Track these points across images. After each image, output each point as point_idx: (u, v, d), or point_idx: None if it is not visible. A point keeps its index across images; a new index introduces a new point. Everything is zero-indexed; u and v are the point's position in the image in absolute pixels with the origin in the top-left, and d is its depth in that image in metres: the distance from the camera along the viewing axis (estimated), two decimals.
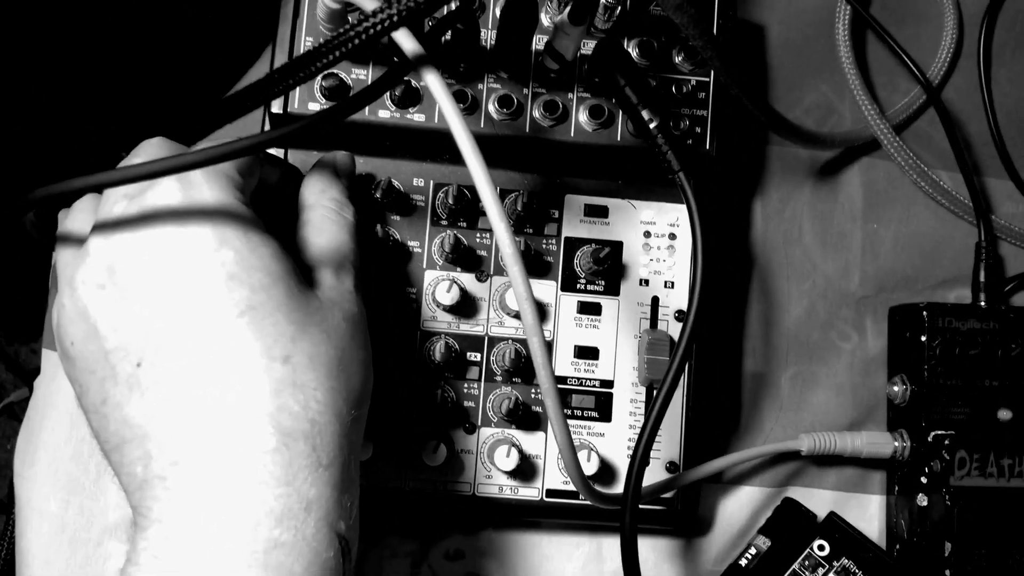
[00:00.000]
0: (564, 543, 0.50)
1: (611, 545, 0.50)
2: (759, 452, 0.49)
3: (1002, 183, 0.54)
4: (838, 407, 0.52)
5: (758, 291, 0.52)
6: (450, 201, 0.45)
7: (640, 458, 0.41)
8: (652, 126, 0.41)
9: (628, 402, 0.47)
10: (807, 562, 0.46)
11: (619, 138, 0.45)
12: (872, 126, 0.52)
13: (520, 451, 0.46)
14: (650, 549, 0.50)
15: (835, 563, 0.46)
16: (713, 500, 0.51)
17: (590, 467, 0.45)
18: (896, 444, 0.49)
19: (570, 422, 0.47)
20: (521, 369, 0.46)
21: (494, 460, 0.45)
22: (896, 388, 0.49)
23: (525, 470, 0.46)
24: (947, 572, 0.45)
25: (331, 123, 0.37)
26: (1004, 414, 0.47)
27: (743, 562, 0.46)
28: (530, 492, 0.47)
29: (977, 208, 0.52)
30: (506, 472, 0.46)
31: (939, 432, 0.46)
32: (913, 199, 0.53)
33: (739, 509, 0.50)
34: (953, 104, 0.54)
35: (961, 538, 0.45)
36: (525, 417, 0.46)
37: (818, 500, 0.50)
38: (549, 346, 0.47)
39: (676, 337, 0.47)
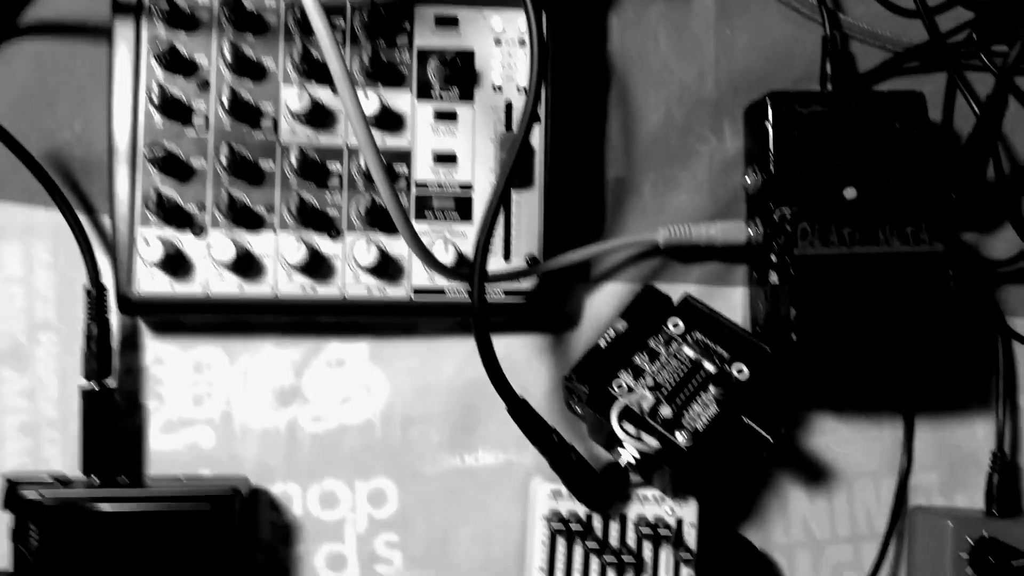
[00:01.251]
0: (442, 345, 0.52)
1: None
2: (617, 244, 0.51)
3: None
4: (699, 207, 0.54)
5: (617, 100, 0.54)
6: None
7: (487, 228, 0.43)
8: None
9: (487, 203, 0.49)
10: (661, 338, 0.49)
11: None
12: None
13: (382, 250, 0.48)
14: (520, 346, 0.52)
15: (688, 337, 0.49)
16: (580, 297, 0.53)
17: (447, 257, 0.47)
18: (750, 231, 0.51)
19: (431, 223, 0.49)
20: None
21: (356, 258, 0.47)
22: (748, 179, 0.51)
23: (391, 270, 0.49)
24: (792, 335, 0.48)
25: None
26: (849, 192, 0.49)
27: (602, 343, 0.49)
28: (398, 291, 0.49)
29: (822, 4, 0.53)
30: (368, 268, 0.48)
31: (784, 208, 0.49)
32: (765, 3, 0.55)
33: (605, 304, 0.53)
34: None
35: (805, 306, 0.48)
36: (388, 218, 0.48)
37: (682, 294, 0.52)
38: (407, 154, 0.49)
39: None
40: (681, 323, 0.49)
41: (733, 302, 0.53)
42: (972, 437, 0.54)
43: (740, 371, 0.48)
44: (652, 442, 0.46)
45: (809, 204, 0.49)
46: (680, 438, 0.46)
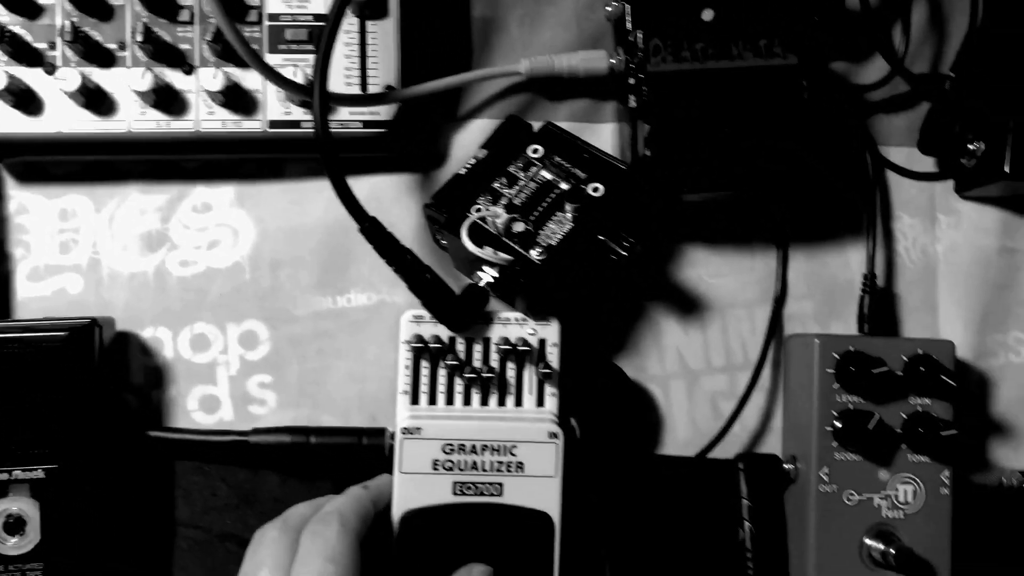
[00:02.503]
0: (309, 187, 0.52)
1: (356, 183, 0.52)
2: (478, 75, 0.51)
3: None
4: (567, 42, 0.53)
5: None
6: None
7: (325, 47, 0.43)
8: None
9: (343, 32, 0.49)
10: (521, 163, 0.49)
11: None
12: None
13: (234, 82, 0.48)
14: (388, 185, 0.52)
15: (548, 161, 0.49)
16: (449, 135, 0.53)
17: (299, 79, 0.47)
18: (612, 60, 0.51)
19: (287, 56, 0.49)
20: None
21: (207, 89, 0.47)
22: (609, 8, 0.51)
23: (245, 103, 0.49)
24: (646, 151, 0.48)
25: None
26: (707, 14, 0.49)
27: (462, 171, 0.49)
28: (253, 125, 0.49)
29: None
30: (220, 99, 0.47)
31: (640, 32, 0.48)
32: None
33: (473, 141, 0.52)
34: None
35: (658, 121, 0.48)
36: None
37: (544, 121, 0.52)
38: None
39: None
40: (541, 148, 0.49)
41: (603, 137, 0.53)
42: (846, 267, 0.54)
43: (596, 189, 0.48)
44: (505, 257, 0.46)
45: (666, 26, 0.48)
46: (533, 253, 0.46)
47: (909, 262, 0.55)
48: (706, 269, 0.54)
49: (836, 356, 0.49)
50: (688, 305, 0.54)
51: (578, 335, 0.51)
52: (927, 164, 0.55)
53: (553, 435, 0.46)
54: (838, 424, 0.49)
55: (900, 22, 0.54)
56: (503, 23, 0.54)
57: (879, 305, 0.53)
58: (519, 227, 0.47)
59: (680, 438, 0.53)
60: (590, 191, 0.48)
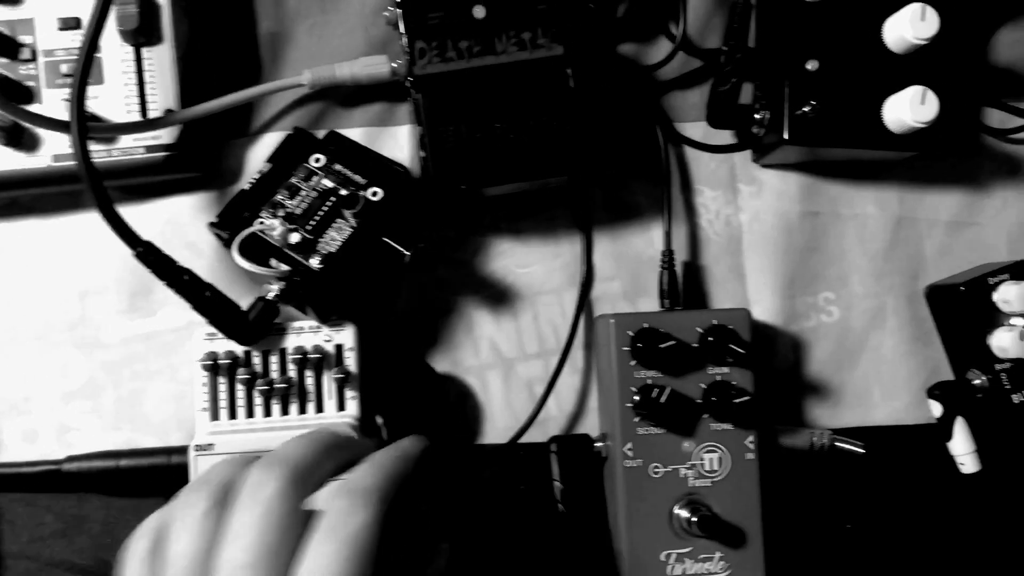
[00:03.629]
0: None
1: (156, 206, 0.53)
2: (259, 90, 0.52)
3: None
4: (357, 49, 0.54)
5: None
6: None
7: (80, 79, 0.44)
8: None
9: (119, 61, 0.50)
10: (302, 174, 0.50)
11: None
12: None
13: (14, 122, 0.48)
14: (187, 206, 0.53)
15: (329, 169, 0.50)
16: (241, 152, 0.54)
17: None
18: (393, 64, 0.52)
19: (63, 90, 0.49)
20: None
21: None
22: (386, 13, 0.52)
23: (26, 140, 0.49)
24: (423, 154, 0.49)
25: None
26: (479, 11, 0.50)
27: (246, 187, 0.50)
28: (39, 160, 0.49)
29: None
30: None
31: (412, 29, 0.49)
32: None
33: (265, 155, 0.53)
34: None
35: (432, 123, 0.48)
36: (16, 88, 0.49)
37: (328, 131, 0.53)
38: (30, 22, 0.49)
39: None
40: (323, 157, 0.50)
41: (400, 140, 0.54)
42: (651, 244, 0.55)
43: (375, 193, 0.49)
44: (282, 268, 0.47)
45: (434, 28, 0.49)
46: (313, 261, 0.47)
47: (714, 234, 0.56)
48: (513, 259, 0.55)
49: (631, 334, 0.50)
50: (498, 296, 0.55)
51: (383, 336, 0.52)
52: (729, 137, 0.56)
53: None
54: (636, 399, 0.50)
55: None
56: (292, 35, 0.54)
57: (682, 280, 0.54)
58: (295, 237, 0.48)
59: (500, 426, 0.54)
60: (369, 195, 0.49)
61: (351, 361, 0.49)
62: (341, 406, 0.49)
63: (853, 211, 0.56)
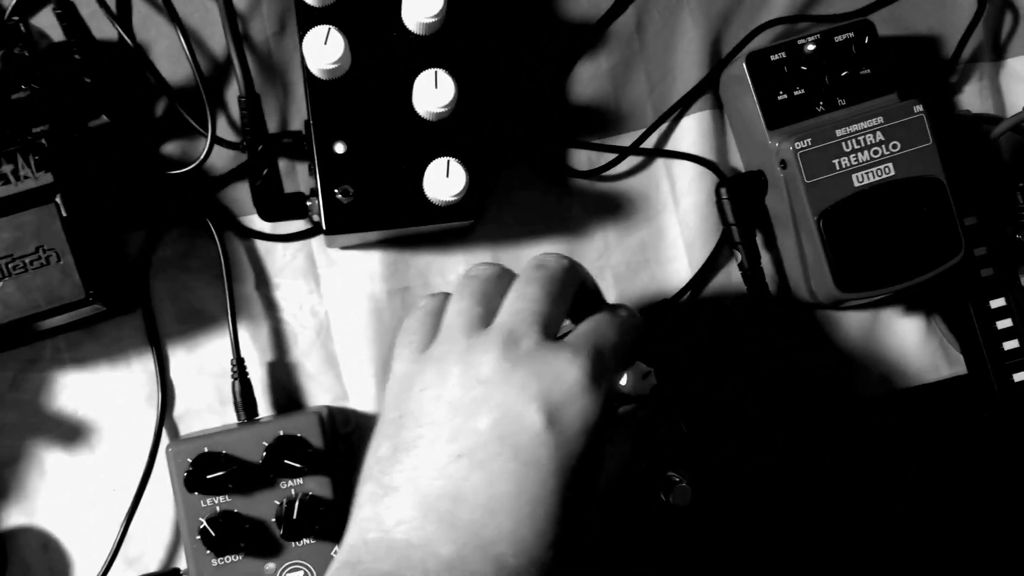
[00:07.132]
0: None
1: None
2: None
3: None
4: None
5: None
6: None
7: None
8: None
9: None
10: None
11: None
12: None
13: None
14: None
15: None
16: None
17: None
18: None
19: None
20: None
21: None
22: None
23: None
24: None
25: None
26: None
27: None
28: None
29: None
30: None
31: None
32: None
33: None
34: None
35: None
36: None
37: None
38: None
39: None
40: None
41: None
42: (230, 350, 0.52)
43: None
44: None
45: None
46: None
47: (299, 327, 0.53)
48: (79, 395, 0.51)
49: (189, 461, 0.47)
50: (71, 434, 0.51)
51: None
52: (303, 223, 0.53)
53: None
54: (204, 530, 0.47)
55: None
56: None
57: (268, 381, 0.52)
58: None
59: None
60: None
61: None
62: None
63: (446, 279, 0.54)
